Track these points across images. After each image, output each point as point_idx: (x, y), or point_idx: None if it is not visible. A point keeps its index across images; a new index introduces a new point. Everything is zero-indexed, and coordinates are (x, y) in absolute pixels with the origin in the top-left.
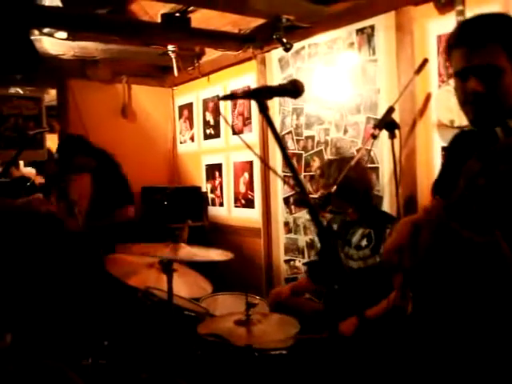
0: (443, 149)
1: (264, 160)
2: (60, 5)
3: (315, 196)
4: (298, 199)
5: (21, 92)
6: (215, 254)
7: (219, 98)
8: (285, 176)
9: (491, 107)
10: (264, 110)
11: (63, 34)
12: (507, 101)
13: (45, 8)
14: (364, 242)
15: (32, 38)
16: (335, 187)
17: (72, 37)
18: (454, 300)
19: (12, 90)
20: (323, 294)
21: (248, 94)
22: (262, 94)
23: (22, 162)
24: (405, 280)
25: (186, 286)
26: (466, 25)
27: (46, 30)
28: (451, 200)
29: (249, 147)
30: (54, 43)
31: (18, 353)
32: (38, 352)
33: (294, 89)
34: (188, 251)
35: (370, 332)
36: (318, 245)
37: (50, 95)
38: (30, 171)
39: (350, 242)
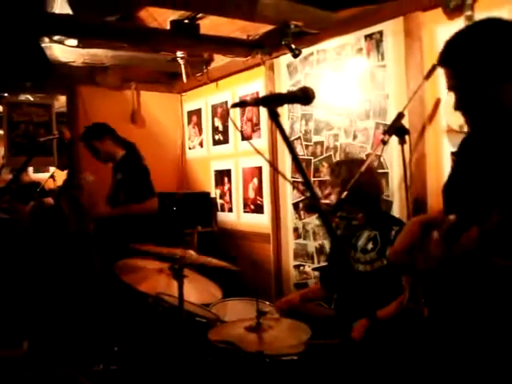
0: (452, 153)
1: (273, 164)
2: (70, 12)
3: (326, 201)
4: (309, 205)
5: (31, 99)
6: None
7: (230, 106)
8: (294, 181)
9: (481, 118)
10: (275, 118)
11: (73, 42)
12: (501, 107)
13: (55, 16)
14: (370, 245)
15: (42, 45)
16: (346, 193)
17: (82, 44)
18: (470, 311)
19: (22, 97)
20: (333, 300)
21: (259, 102)
22: (272, 102)
23: (31, 169)
24: (415, 282)
25: (196, 292)
26: (448, 46)
27: (56, 38)
28: (484, 232)
29: (258, 152)
30: (64, 50)
31: (35, 360)
32: (51, 358)
33: (304, 96)
34: (197, 258)
35: (381, 334)
36: (328, 250)
37: (60, 102)
38: (40, 177)
39: (356, 246)
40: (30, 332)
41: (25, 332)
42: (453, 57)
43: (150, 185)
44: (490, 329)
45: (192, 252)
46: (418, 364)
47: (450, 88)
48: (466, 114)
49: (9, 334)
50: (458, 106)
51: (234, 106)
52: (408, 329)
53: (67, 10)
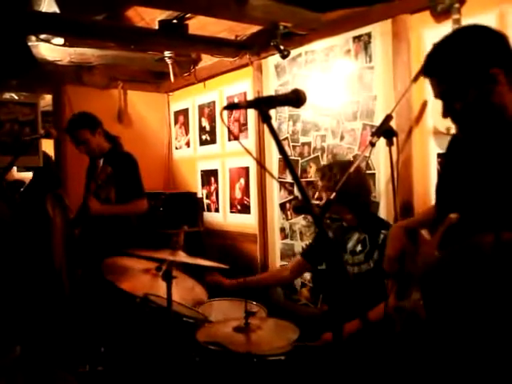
0: (439, 155)
1: (262, 164)
2: (57, 11)
3: (316, 202)
4: (297, 206)
5: (16, 97)
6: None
7: (222, 108)
8: (281, 182)
9: (469, 122)
10: (267, 120)
11: (60, 40)
12: (489, 110)
13: (41, 14)
14: (359, 248)
15: (29, 43)
16: (334, 194)
17: (68, 43)
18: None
19: (7, 96)
20: (320, 300)
21: (251, 104)
22: (265, 104)
23: (14, 167)
24: (405, 281)
25: (182, 292)
26: (430, 56)
27: (42, 36)
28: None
29: (247, 151)
30: (50, 49)
31: (28, 364)
32: (44, 361)
33: (297, 98)
34: (186, 258)
35: (372, 335)
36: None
37: (46, 100)
38: (23, 176)
39: (346, 248)
40: (22, 336)
41: (17, 336)
42: (435, 66)
43: (141, 183)
44: (490, 328)
45: (181, 253)
46: (409, 366)
47: (437, 96)
48: (454, 119)
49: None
50: (446, 112)
51: (227, 108)
52: (399, 327)
53: (54, 9)
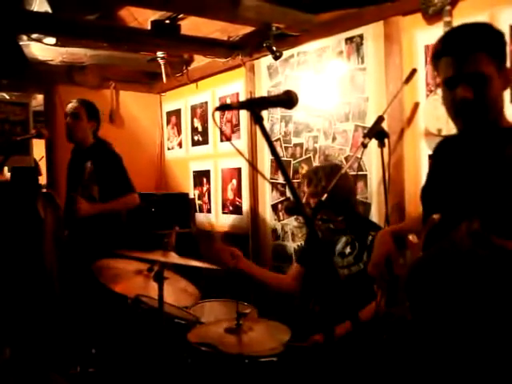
0: (430, 157)
1: (253, 165)
2: (49, 10)
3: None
4: (290, 207)
5: (7, 97)
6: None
7: (215, 109)
8: (273, 182)
9: (479, 115)
10: (259, 121)
11: (52, 40)
12: (494, 108)
13: (33, 13)
14: (348, 250)
15: (20, 43)
16: (326, 195)
17: (60, 42)
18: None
19: None
20: (311, 301)
21: (243, 105)
22: (257, 105)
23: (5, 168)
24: (393, 287)
25: (174, 294)
26: (452, 34)
27: (34, 36)
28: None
29: (239, 152)
30: (42, 49)
31: (18, 365)
32: (36, 363)
33: (289, 100)
34: (178, 259)
35: (363, 336)
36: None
37: (37, 100)
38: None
39: (335, 250)
40: (12, 338)
41: (7, 338)
42: (456, 44)
43: (128, 177)
44: (477, 329)
45: (173, 254)
46: (399, 366)
47: (450, 79)
48: (464, 108)
49: None
50: (460, 102)
51: (219, 108)
52: (388, 333)
53: (46, 8)
